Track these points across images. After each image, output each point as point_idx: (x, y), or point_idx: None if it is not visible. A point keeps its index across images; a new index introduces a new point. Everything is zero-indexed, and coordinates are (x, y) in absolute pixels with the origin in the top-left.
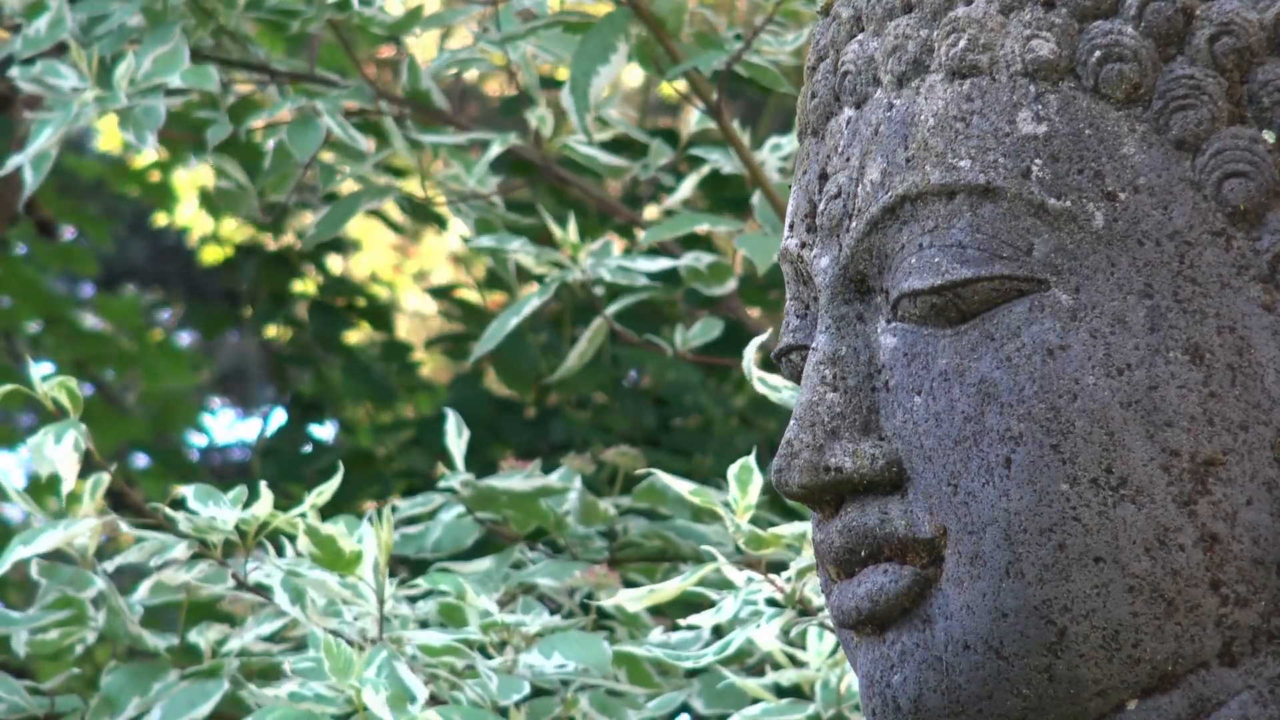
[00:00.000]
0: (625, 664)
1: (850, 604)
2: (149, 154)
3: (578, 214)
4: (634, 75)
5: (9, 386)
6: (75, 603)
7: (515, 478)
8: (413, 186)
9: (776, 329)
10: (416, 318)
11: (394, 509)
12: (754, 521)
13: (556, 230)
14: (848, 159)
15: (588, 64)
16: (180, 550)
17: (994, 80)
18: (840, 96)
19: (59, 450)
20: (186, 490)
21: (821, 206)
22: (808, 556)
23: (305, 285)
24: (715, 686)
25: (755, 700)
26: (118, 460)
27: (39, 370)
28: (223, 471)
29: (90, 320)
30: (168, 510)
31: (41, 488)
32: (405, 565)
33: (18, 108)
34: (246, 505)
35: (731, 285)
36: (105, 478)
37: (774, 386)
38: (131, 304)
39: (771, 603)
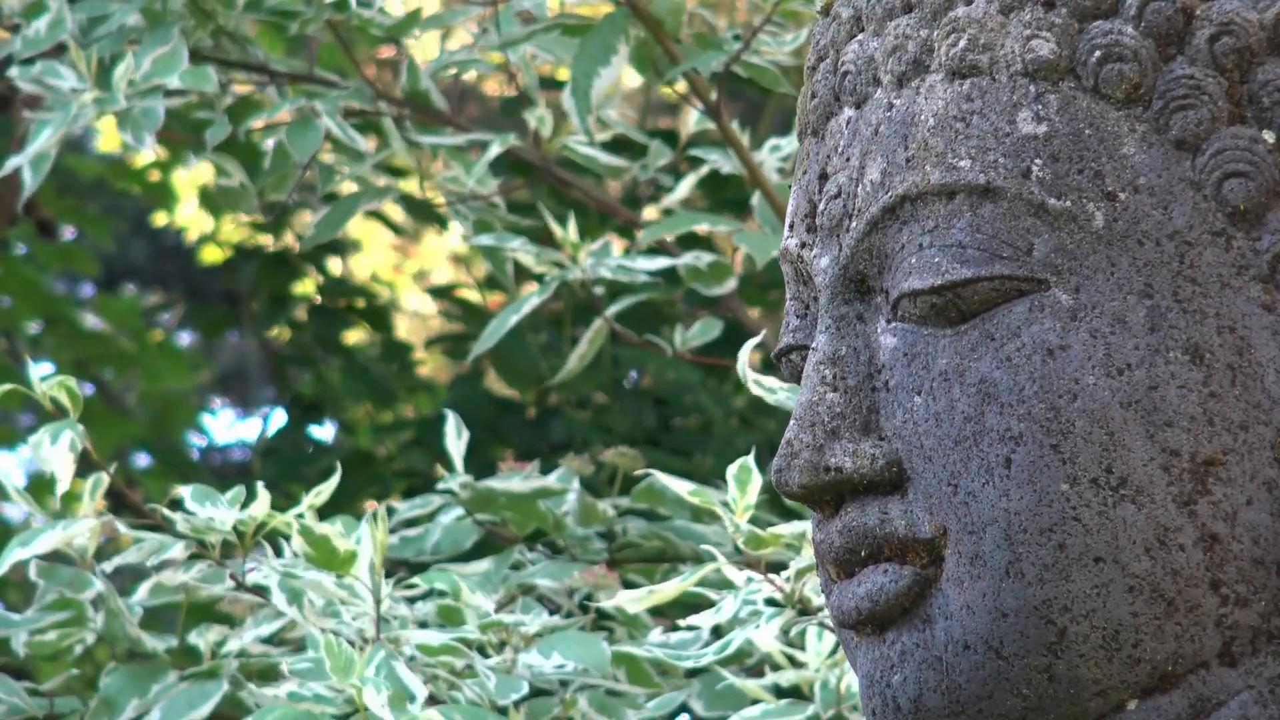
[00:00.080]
0: (624, 664)
1: (850, 604)
2: (148, 154)
3: (578, 214)
4: (634, 75)
5: (8, 386)
6: (74, 604)
7: (514, 479)
8: (412, 187)
9: (774, 329)
10: (416, 318)
11: (390, 510)
12: (753, 521)
13: (556, 230)
14: (848, 159)
15: (589, 65)
16: (178, 551)
17: (994, 80)
18: (840, 96)
19: (55, 451)
20: (184, 491)
21: (821, 206)
22: (807, 556)
23: (305, 286)
24: (715, 687)
25: (755, 701)
26: (119, 460)
27: (38, 370)
28: (223, 472)
29: (90, 320)
30: (165, 511)
31: (43, 487)
32: (405, 568)
33: (17, 108)
34: (244, 506)
35: (731, 285)
36: (104, 478)
37: (769, 388)
38: (131, 304)
39: (771, 603)
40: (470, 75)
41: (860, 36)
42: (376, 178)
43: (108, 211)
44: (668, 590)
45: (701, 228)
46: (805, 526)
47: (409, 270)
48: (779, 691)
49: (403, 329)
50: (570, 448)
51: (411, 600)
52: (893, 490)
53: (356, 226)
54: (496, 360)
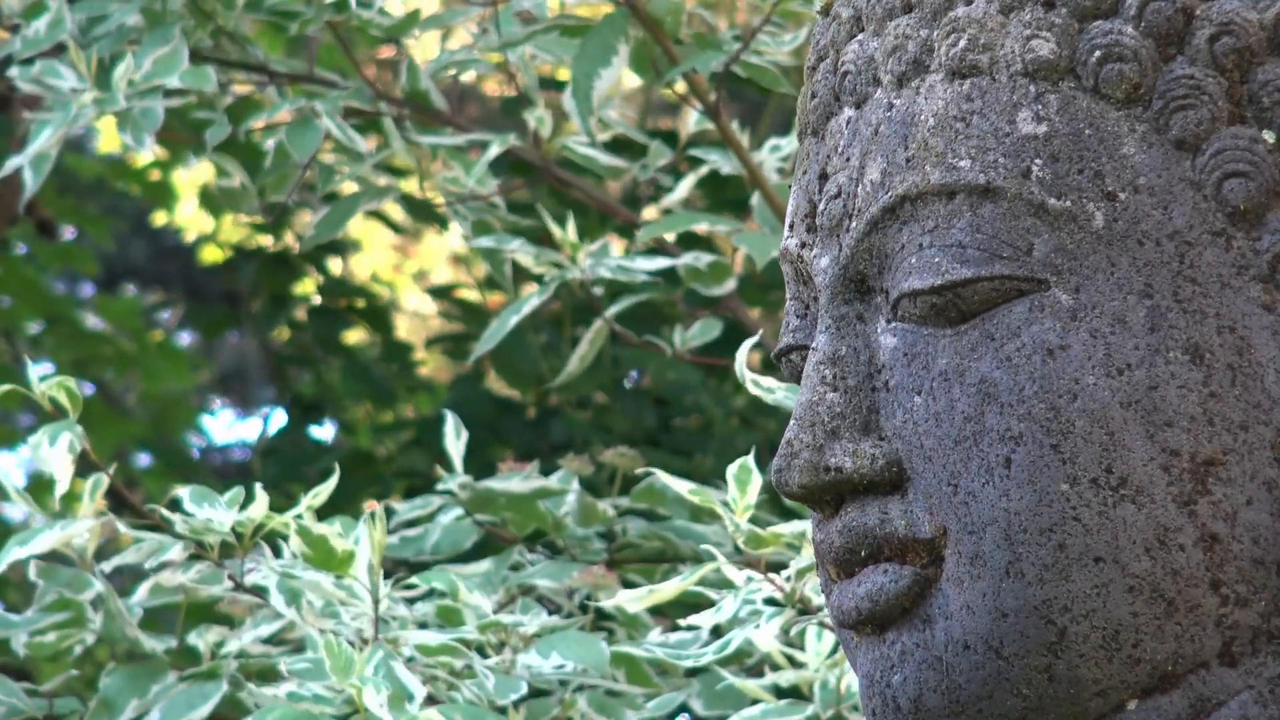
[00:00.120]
0: (624, 664)
1: (850, 604)
2: (148, 154)
3: (577, 215)
4: (634, 75)
5: (8, 386)
6: (74, 604)
7: (513, 479)
8: (412, 187)
9: (774, 329)
10: (416, 318)
11: (390, 510)
12: (753, 521)
13: (556, 230)
14: (848, 159)
15: (589, 66)
16: (177, 552)
17: (994, 80)
18: (840, 96)
19: (53, 452)
20: (183, 492)
21: (821, 206)
22: (807, 556)
23: (305, 286)
24: (714, 687)
25: (754, 701)
26: (119, 460)
27: (38, 371)
28: (223, 472)
29: (90, 320)
30: (164, 511)
31: (42, 487)
32: (405, 568)
33: (17, 108)
34: (243, 507)
35: (731, 285)
36: (104, 478)
37: (767, 388)
38: (131, 304)
39: (771, 602)
40: (470, 75)
41: (860, 36)
42: (376, 178)
43: (108, 211)
44: (667, 590)
45: (701, 228)
46: (805, 526)
47: (409, 270)
48: (779, 691)
49: (403, 329)
50: (570, 448)
51: (410, 600)
52: (893, 490)
53: (356, 226)
54: (497, 360)
